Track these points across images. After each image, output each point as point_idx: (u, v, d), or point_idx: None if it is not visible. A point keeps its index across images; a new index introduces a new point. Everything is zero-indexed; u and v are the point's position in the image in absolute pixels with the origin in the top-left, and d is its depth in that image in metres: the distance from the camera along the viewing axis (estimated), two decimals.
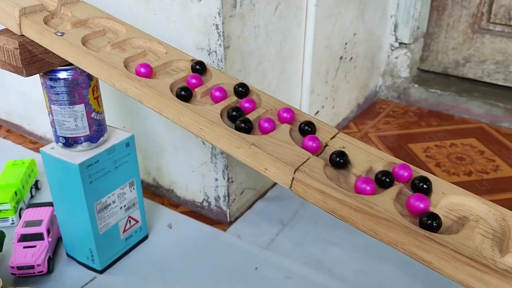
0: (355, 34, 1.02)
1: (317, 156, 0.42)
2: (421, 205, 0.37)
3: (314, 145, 0.43)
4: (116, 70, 0.47)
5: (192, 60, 0.52)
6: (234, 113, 0.44)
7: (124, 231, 0.71)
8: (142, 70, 0.48)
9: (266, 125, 0.43)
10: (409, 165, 0.41)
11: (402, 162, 0.41)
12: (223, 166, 0.75)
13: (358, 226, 0.37)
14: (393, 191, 0.39)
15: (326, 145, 0.43)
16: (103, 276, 0.69)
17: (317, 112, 0.97)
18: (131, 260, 0.72)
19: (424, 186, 0.39)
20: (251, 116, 0.45)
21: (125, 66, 0.48)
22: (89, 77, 0.59)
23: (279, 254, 0.73)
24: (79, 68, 0.56)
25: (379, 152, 0.43)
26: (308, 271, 0.70)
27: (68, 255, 0.72)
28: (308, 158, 0.41)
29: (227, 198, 0.78)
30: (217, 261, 0.72)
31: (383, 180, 0.39)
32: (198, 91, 0.48)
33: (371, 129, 1.10)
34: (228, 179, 0.76)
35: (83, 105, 0.60)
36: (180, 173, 0.82)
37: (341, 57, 1.00)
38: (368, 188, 0.38)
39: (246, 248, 0.75)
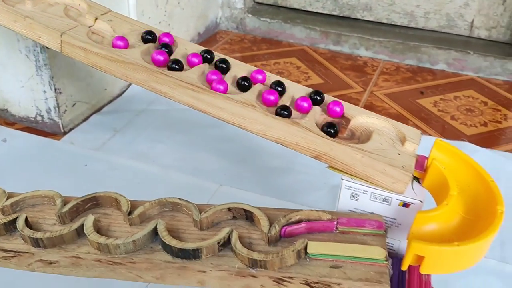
0: None
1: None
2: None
3: None
4: None
5: None
6: None
7: None
8: None
9: None
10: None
11: (151, 28, 0.51)
12: (48, 77, 0.80)
13: (115, 74, 0.47)
14: (144, 47, 0.49)
15: (96, 18, 0.52)
16: None
17: None
18: None
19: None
20: None
21: None
22: None
23: (109, 153, 0.82)
24: None
25: (144, 24, 0.53)
26: (134, 163, 0.80)
27: None
28: (76, 26, 0.49)
29: (57, 109, 0.84)
30: (49, 164, 0.79)
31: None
32: None
33: None
34: (56, 90, 0.82)
35: None
36: (11, 91, 0.86)
37: None
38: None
39: (77, 151, 0.82)
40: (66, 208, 0.44)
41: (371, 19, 1.27)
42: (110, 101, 0.97)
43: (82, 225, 0.43)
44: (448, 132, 0.92)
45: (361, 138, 0.45)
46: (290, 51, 1.25)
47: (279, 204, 0.73)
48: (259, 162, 0.82)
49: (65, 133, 0.87)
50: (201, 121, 0.92)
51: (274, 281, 0.39)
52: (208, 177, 0.77)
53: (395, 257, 0.42)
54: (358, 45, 1.22)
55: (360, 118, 0.47)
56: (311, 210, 0.42)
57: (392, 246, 0.45)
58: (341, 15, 1.30)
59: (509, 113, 0.99)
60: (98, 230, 0.43)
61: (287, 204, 0.73)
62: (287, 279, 0.38)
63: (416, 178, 0.43)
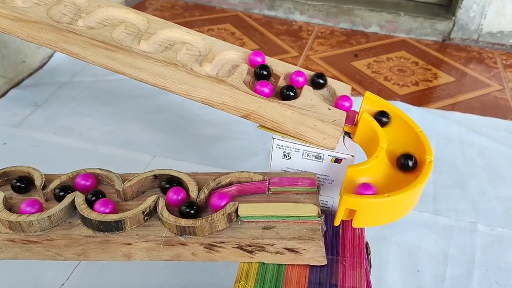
0: None
1: None
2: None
3: None
4: None
5: None
6: None
7: None
8: None
9: None
10: None
11: None
12: None
13: (19, 35, 0.42)
14: (51, 3, 0.44)
15: None
16: None
17: None
18: None
19: None
20: None
21: None
22: None
23: (30, 129, 0.76)
24: None
25: None
26: (57, 138, 0.74)
27: None
28: None
29: None
30: None
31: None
32: None
33: None
34: None
35: None
36: None
37: None
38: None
39: None
40: None
41: None
42: (30, 74, 0.89)
43: None
44: (382, 92, 0.93)
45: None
46: (224, 17, 1.21)
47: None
48: (194, 131, 0.79)
49: None
50: (131, 92, 0.87)
51: (205, 247, 0.37)
52: (141, 149, 0.74)
53: (329, 214, 0.42)
54: (293, 10, 1.20)
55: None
56: (242, 171, 0.41)
57: (326, 204, 0.44)
58: None
59: (439, 72, 1.01)
60: (10, 208, 0.39)
61: (224, 171, 0.71)
62: (218, 244, 0.36)
63: (347, 133, 0.42)
